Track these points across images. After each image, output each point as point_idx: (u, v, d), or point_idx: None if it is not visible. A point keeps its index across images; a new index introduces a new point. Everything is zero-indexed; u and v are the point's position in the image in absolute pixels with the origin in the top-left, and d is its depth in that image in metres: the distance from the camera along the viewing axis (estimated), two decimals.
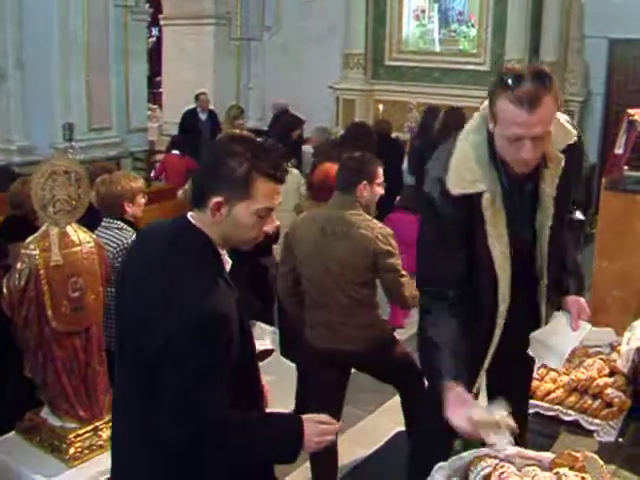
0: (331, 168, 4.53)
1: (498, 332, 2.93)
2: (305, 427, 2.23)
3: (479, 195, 2.70)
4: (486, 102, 2.72)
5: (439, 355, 2.75)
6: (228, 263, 2.29)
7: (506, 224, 2.78)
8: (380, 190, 4.12)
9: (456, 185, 2.70)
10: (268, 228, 2.24)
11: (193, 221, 2.18)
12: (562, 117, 2.81)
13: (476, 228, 2.75)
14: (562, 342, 2.88)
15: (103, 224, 4.34)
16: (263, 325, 4.73)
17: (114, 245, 4.21)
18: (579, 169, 3.05)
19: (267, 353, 4.75)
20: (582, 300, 2.95)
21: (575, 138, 2.84)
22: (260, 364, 2.46)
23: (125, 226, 4.33)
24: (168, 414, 2.06)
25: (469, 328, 2.81)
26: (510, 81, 2.51)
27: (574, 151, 2.86)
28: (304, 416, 2.27)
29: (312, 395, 4.19)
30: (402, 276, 3.96)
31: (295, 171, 7.38)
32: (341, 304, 4.00)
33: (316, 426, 2.25)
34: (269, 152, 2.18)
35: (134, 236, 4.12)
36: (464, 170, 2.72)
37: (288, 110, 11.51)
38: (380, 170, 4.13)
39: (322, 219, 4.05)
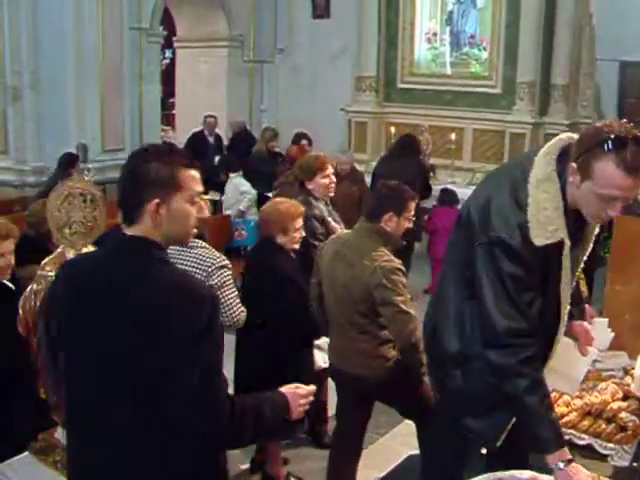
0: None
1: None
2: (289, 398, 2.41)
3: (559, 243, 2.74)
4: (550, 144, 2.81)
5: (540, 422, 2.67)
6: None
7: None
8: (408, 224, 4.06)
9: (540, 235, 2.72)
10: (200, 214, 2.44)
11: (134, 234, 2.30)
12: None
13: (551, 274, 2.79)
14: (575, 368, 2.87)
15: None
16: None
17: (208, 263, 4.12)
18: None
19: None
20: (585, 324, 2.94)
21: None
22: None
23: (206, 244, 4.22)
24: (192, 413, 2.16)
25: None
26: (614, 145, 2.54)
27: None
28: (282, 389, 2.46)
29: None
30: (400, 311, 3.84)
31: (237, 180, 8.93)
32: (343, 327, 4.02)
33: (295, 393, 2.44)
34: (175, 148, 2.42)
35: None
36: (545, 221, 2.73)
37: (246, 128, 11.85)
38: (412, 204, 4.07)
39: (341, 242, 4.06)
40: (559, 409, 3.61)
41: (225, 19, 13.19)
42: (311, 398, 2.48)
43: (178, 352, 2.13)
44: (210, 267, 4.11)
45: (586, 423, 3.51)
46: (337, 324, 4.06)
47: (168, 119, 15.65)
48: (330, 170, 5.37)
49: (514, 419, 2.89)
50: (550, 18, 10.64)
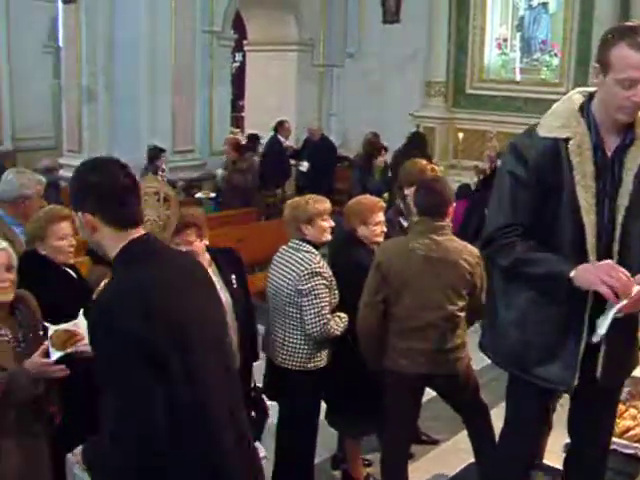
0: None
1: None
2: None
3: (566, 142, 2.84)
4: (574, 92, 2.99)
5: (542, 262, 2.83)
6: None
7: (594, 182, 2.82)
8: None
9: (544, 129, 2.91)
10: None
11: None
12: None
13: (564, 176, 2.83)
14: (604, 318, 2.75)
15: (290, 244, 4.31)
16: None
17: (302, 268, 4.15)
18: None
19: None
20: None
21: None
22: None
23: (312, 249, 4.24)
24: None
25: None
26: (627, 31, 2.72)
27: None
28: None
29: (391, 415, 4.20)
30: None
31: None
32: (438, 329, 4.00)
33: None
34: None
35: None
36: (553, 118, 2.93)
37: (323, 135, 11.76)
38: None
39: (422, 247, 4.00)
40: (625, 422, 3.56)
41: (295, 23, 13.30)
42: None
43: None
44: (304, 271, 4.14)
45: None
46: (426, 328, 4.01)
47: (237, 121, 15.83)
48: None
49: (581, 354, 2.87)
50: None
